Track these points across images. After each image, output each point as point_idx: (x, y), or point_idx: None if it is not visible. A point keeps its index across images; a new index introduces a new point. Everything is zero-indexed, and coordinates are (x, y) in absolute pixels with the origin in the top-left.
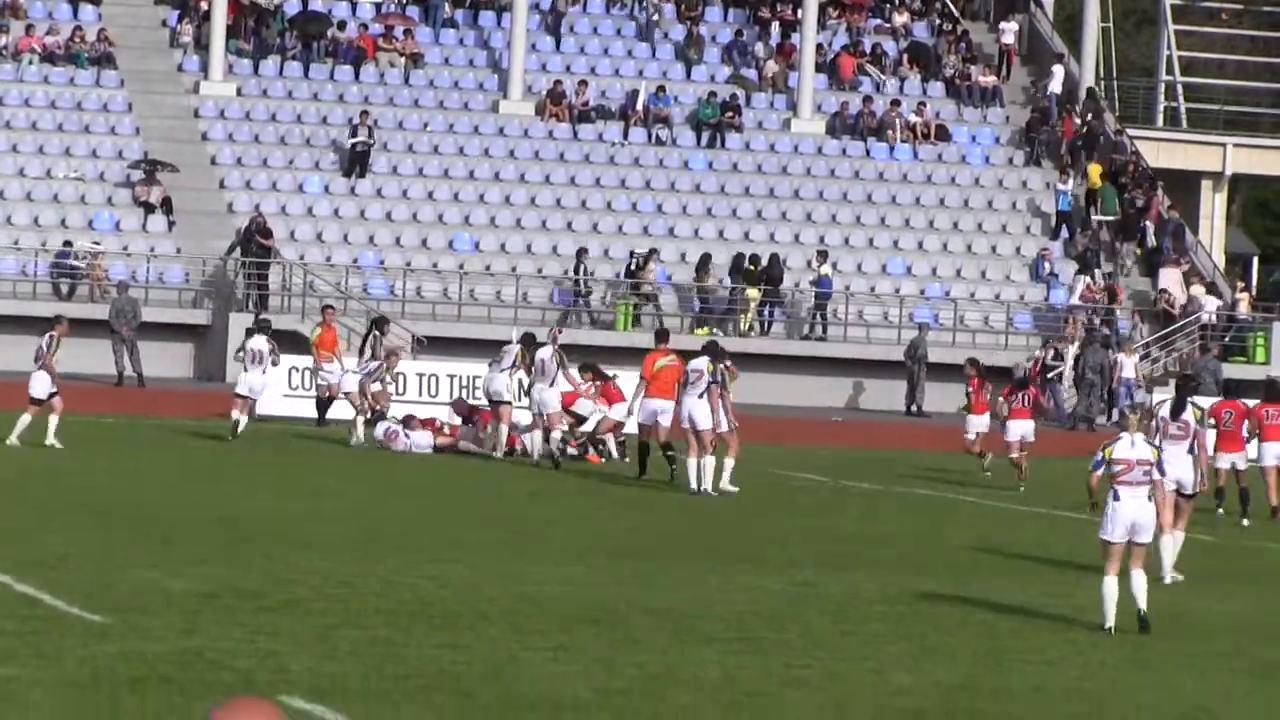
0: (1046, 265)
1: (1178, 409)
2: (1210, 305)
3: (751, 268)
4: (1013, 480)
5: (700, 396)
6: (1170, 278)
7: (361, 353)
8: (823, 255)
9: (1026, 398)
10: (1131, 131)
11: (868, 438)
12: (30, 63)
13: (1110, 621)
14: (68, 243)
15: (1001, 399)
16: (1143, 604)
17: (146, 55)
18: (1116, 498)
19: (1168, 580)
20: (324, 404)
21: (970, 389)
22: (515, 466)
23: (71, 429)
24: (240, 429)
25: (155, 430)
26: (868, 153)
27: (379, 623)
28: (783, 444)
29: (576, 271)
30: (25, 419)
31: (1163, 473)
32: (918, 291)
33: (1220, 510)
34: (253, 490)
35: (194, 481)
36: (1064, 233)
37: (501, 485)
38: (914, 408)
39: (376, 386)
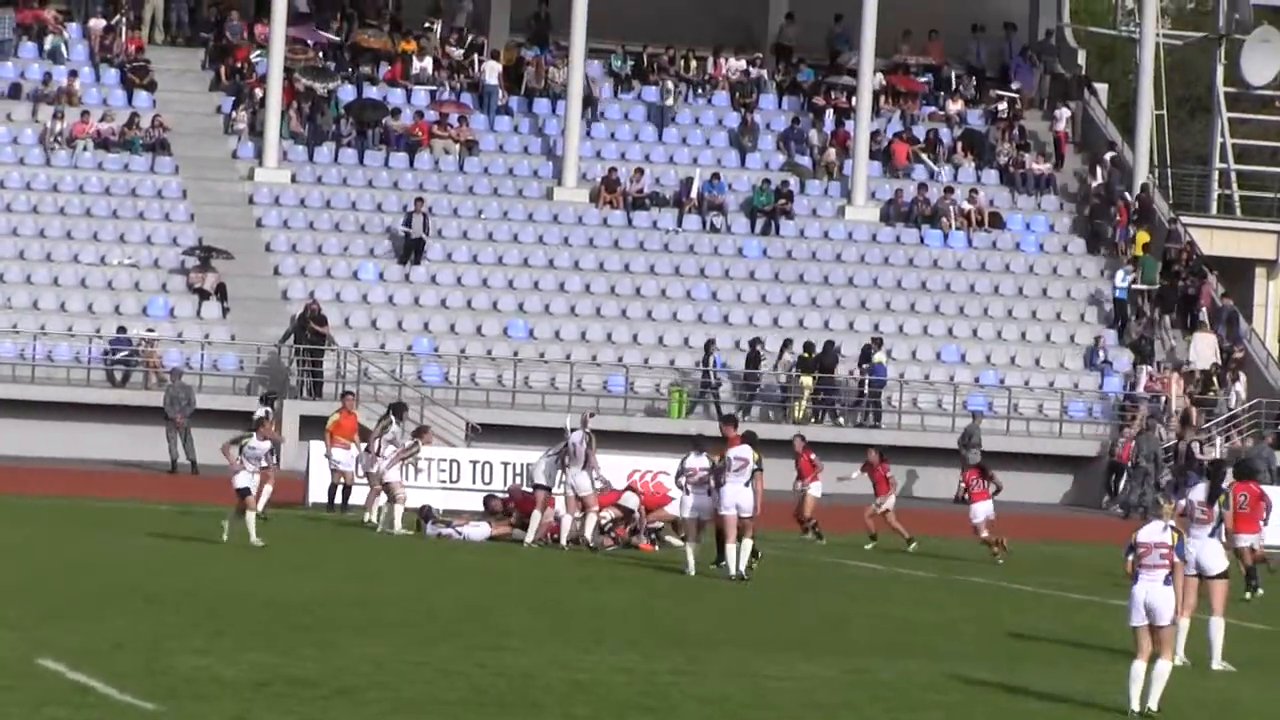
0: (1101, 354)
1: (1213, 495)
2: (1240, 387)
3: (806, 355)
4: (990, 557)
5: (746, 485)
6: (1204, 343)
7: (370, 438)
8: (877, 343)
9: (986, 481)
10: (1185, 219)
11: (921, 525)
12: (85, 149)
13: (1133, 704)
14: (122, 329)
15: (963, 484)
16: (1153, 700)
17: (201, 141)
18: (1135, 581)
19: (1214, 668)
20: (335, 490)
21: (965, 481)
22: (569, 554)
23: (125, 516)
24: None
25: (208, 518)
26: (922, 240)
27: (432, 711)
28: (837, 532)
29: (705, 363)
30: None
31: (1182, 557)
32: (972, 379)
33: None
34: (304, 576)
35: (246, 568)
36: (1119, 320)
37: (552, 572)
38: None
39: (394, 475)
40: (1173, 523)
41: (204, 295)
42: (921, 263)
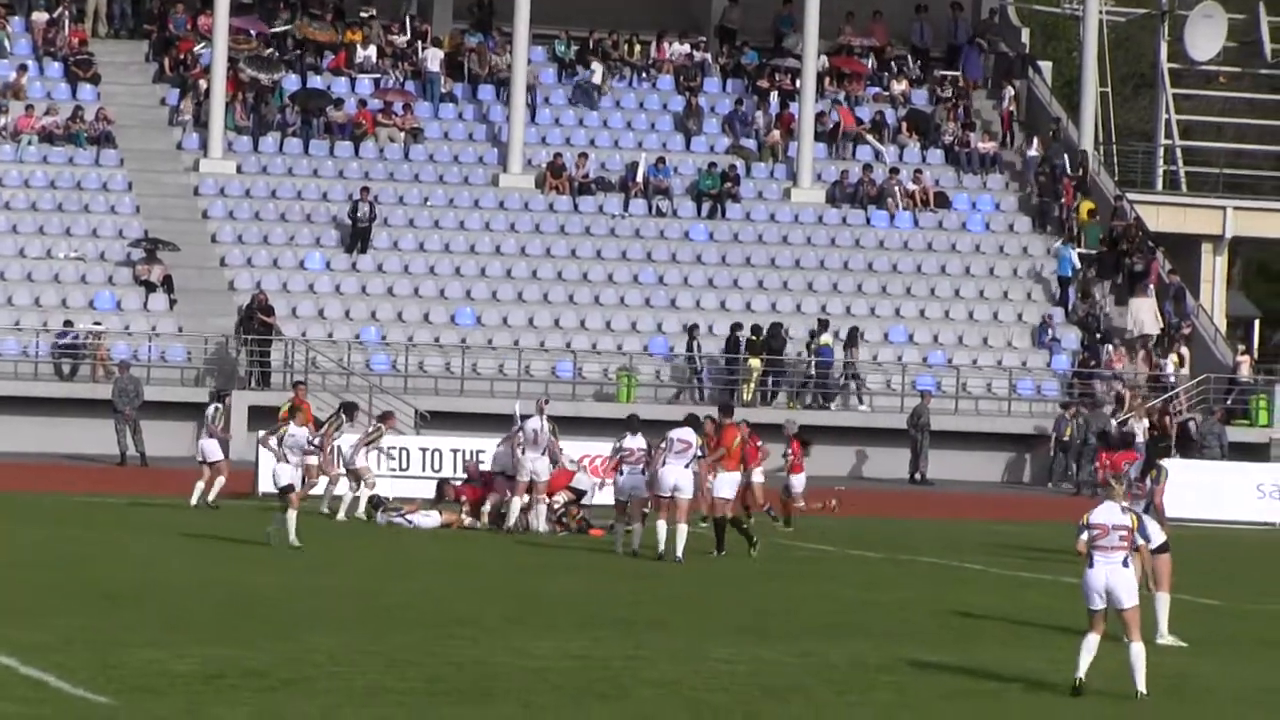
0: (1049, 331)
1: (1147, 470)
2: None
3: (754, 338)
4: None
5: (687, 466)
6: (1144, 307)
7: (323, 436)
8: (823, 325)
9: (806, 453)
10: (1131, 196)
11: (871, 506)
12: (29, 143)
13: (1079, 672)
14: (68, 323)
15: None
16: (1139, 683)
17: (146, 134)
18: (1090, 564)
19: (1160, 642)
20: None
21: (791, 452)
22: (519, 539)
23: (75, 509)
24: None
25: (159, 510)
26: (868, 221)
27: (387, 701)
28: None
29: (689, 349)
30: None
31: (1146, 538)
32: (920, 359)
33: None
34: (256, 568)
35: (198, 561)
36: (1064, 295)
37: (505, 559)
38: (917, 475)
39: (361, 461)
40: (1125, 503)
41: (151, 287)
42: (868, 244)
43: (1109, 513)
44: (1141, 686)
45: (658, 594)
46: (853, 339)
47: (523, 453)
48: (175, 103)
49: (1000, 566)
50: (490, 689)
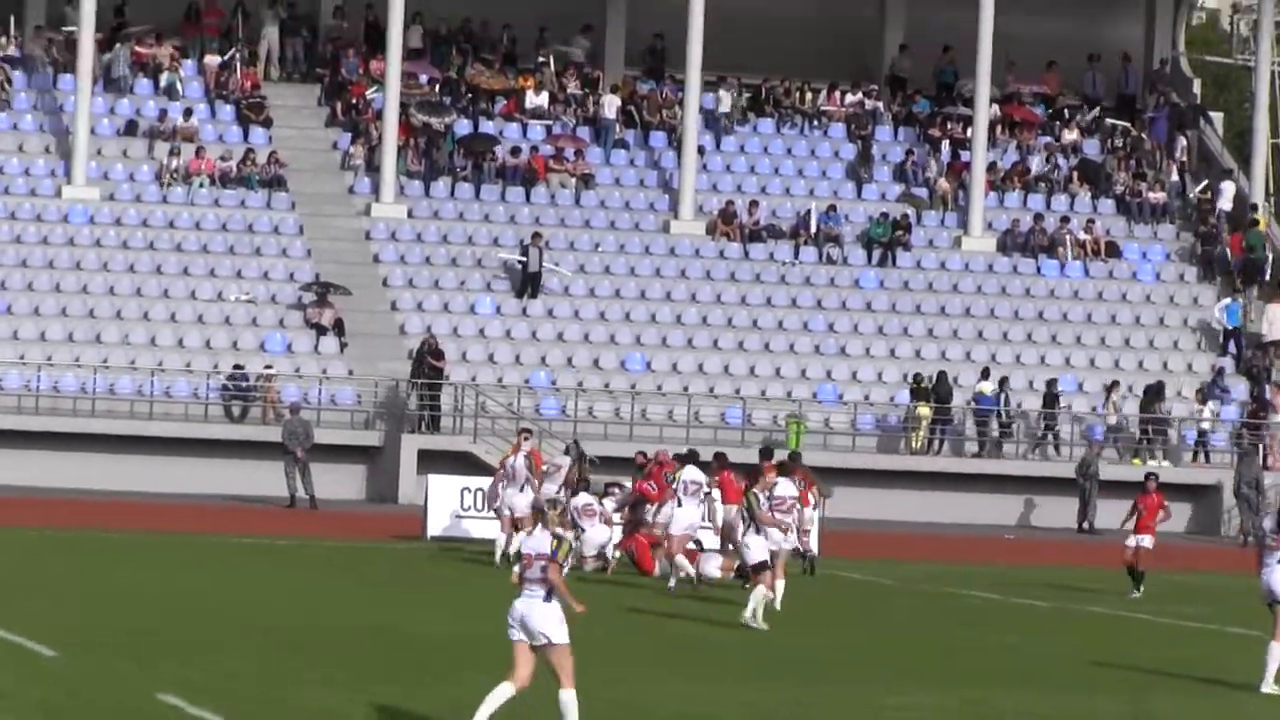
0: (1219, 382)
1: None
2: None
3: (921, 385)
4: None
5: (699, 505)
6: (1276, 312)
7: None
8: (986, 373)
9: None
10: None
11: (1038, 555)
12: (202, 185)
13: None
14: (239, 365)
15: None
16: None
17: (317, 177)
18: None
19: (1265, 690)
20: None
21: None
22: (678, 588)
23: (243, 551)
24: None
25: (328, 552)
26: (1039, 270)
27: None
28: (953, 562)
29: (999, 401)
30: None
31: None
32: (1089, 409)
33: None
34: (426, 610)
35: (367, 603)
36: (1232, 348)
37: (668, 604)
38: (1085, 524)
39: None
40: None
41: (321, 330)
42: (1038, 293)
43: None
44: None
45: (822, 641)
46: (1002, 387)
47: (503, 488)
48: (347, 146)
49: (1168, 616)
50: None
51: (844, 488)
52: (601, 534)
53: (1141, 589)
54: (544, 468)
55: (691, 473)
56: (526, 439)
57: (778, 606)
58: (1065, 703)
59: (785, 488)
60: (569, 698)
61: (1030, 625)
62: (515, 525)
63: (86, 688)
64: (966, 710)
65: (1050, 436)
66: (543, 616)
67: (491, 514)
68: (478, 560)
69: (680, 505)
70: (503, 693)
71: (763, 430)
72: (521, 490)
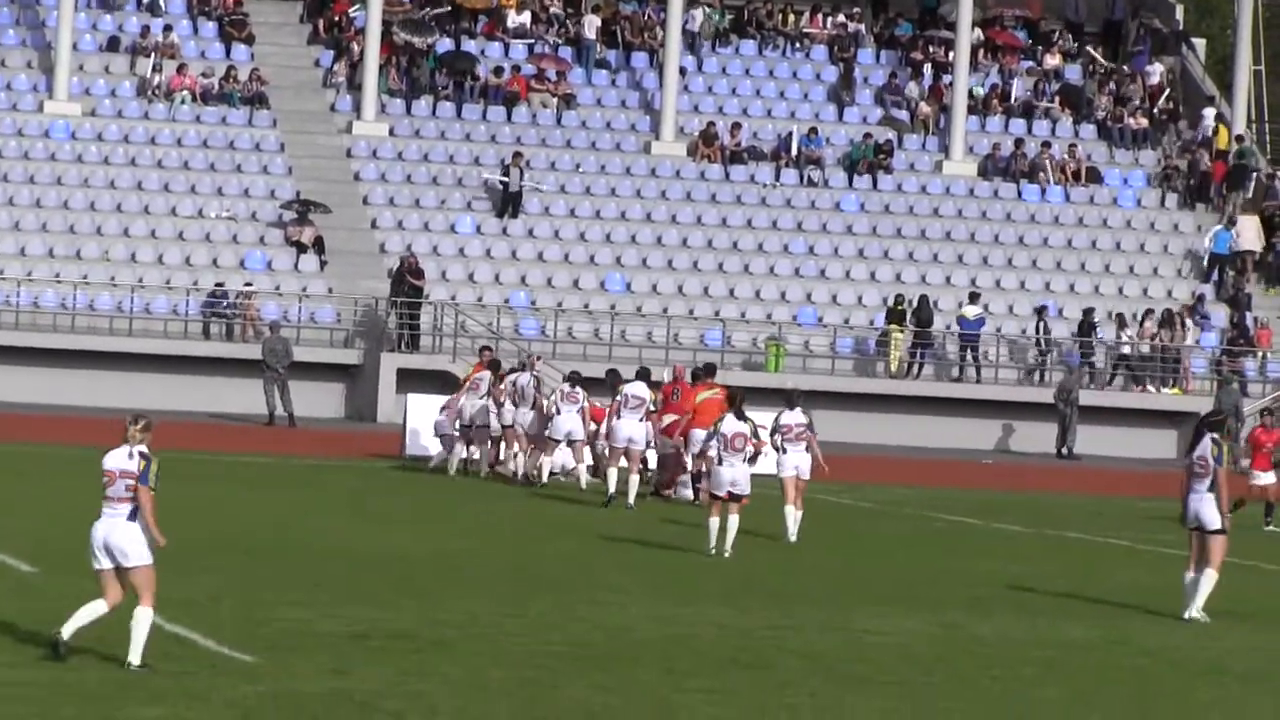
0: (1199, 309)
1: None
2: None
3: (901, 308)
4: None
5: (640, 420)
6: (1249, 224)
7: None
8: (974, 297)
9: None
10: None
11: (1017, 480)
12: (183, 102)
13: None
14: (219, 283)
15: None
16: None
17: (299, 95)
18: None
19: (1190, 615)
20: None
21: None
22: (661, 506)
23: (223, 469)
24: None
25: (307, 470)
26: (1019, 194)
27: (529, 664)
28: (932, 486)
29: (1038, 330)
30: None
31: None
32: (1069, 333)
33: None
34: (403, 529)
35: (345, 521)
36: (1215, 275)
37: (644, 526)
38: (1065, 450)
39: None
40: None
41: (301, 248)
42: (1019, 217)
43: None
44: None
45: (799, 565)
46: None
47: (514, 406)
48: (329, 65)
49: (1146, 543)
50: (635, 655)
51: (823, 410)
52: (573, 422)
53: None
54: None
55: (636, 388)
56: (538, 362)
57: (792, 538)
58: (1042, 627)
59: (790, 416)
60: (144, 615)
61: (1008, 551)
62: (527, 442)
63: (64, 604)
64: (943, 635)
65: (1087, 365)
66: (124, 536)
67: (456, 430)
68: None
69: (619, 418)
70: (95, 609)
71: (742, 353)
72: (531, 409)
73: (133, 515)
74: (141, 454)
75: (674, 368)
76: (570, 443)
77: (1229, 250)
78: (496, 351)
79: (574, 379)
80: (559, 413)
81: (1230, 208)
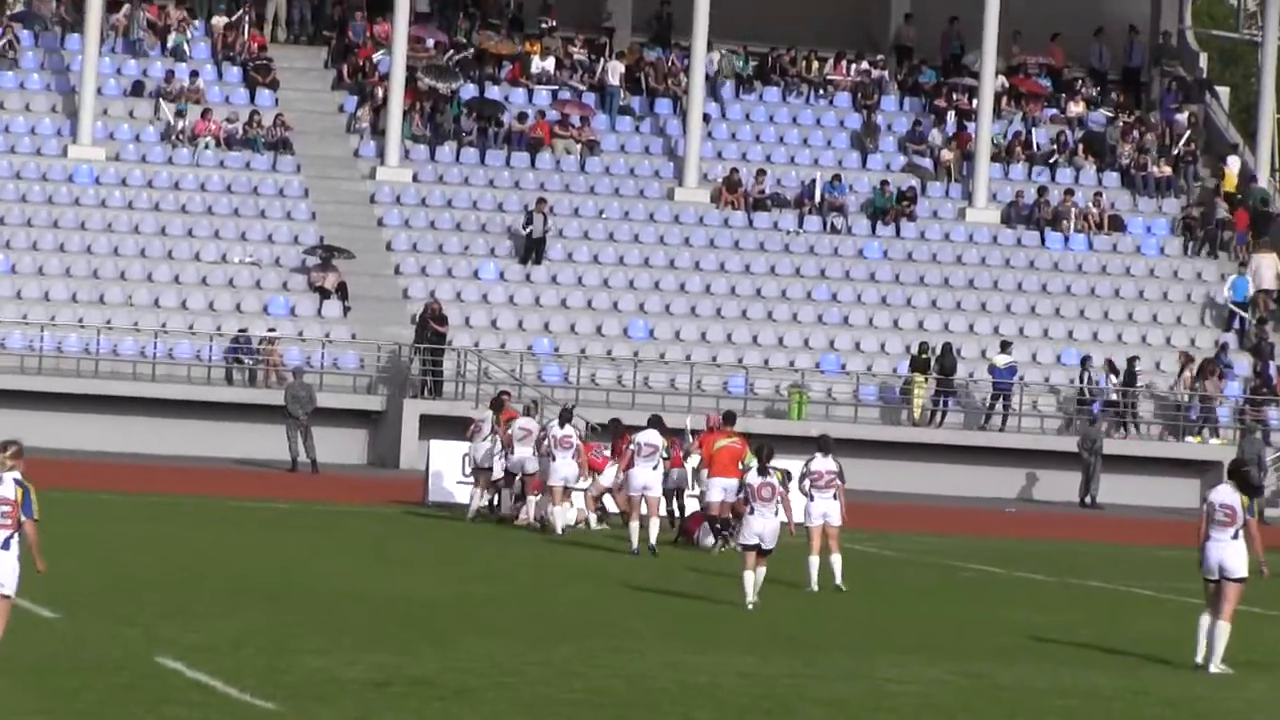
0: (1222, 358)
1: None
2: None
3: (925, 356)
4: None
5: (655, 468)
6: (1265, 262)
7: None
8: (1005, 345)
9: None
10: None
11: (1041, 529)
12: (207, 147)
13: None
14: (243, 329)
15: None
16: None
17: (323, 140)
18: None
19: (1212, 670)
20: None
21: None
22: (679, 552)
23: (245, 514)
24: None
25: (329, 516)
26: (1043, 242)
27: (550, 712)
28: (955, 534)
29: (1081, 380)
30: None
31: None
32: (1094, 382)
33: None
34: (425, 575)
35: (367, 567)
36: (1236, 323)
37: (661, 571)
38: (1088, 499)
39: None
40: None
41: (325, 294)
42: (1042, 265)
43: None
44: None
45: (821, 613)
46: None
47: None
48: (353, 110)
49: (1170, 592)
50: (655, 704)
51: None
52: (569, 468)
53: None
54: (511, 433)
55: (649, 436)
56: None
57: (838, 581)
58: (1064, 677)
59: (821, 463)
60: None
61: (1031, 599)
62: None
63: (86, 650)
64: (966, 684)
65: (1129, 415)
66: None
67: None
68: (475, 524)
69: (633, 467)
70: None
71: (765, 400)
72: (574, 458)
73: (6, 544)
74: (16, 481)
75: (707, 417)
76: (566, 489)
77: (1246, 297)
78: (518, 397)
79: (565, 417)
80: (554, 459)
81: (1244, 249)
